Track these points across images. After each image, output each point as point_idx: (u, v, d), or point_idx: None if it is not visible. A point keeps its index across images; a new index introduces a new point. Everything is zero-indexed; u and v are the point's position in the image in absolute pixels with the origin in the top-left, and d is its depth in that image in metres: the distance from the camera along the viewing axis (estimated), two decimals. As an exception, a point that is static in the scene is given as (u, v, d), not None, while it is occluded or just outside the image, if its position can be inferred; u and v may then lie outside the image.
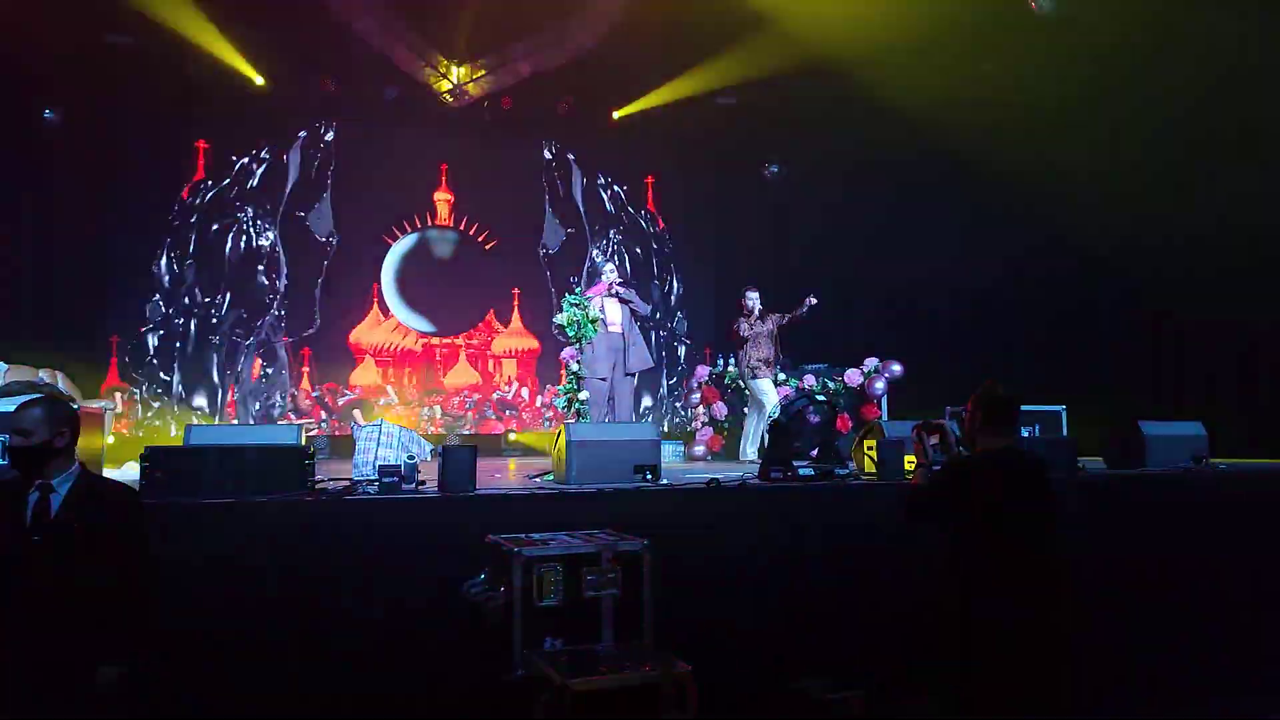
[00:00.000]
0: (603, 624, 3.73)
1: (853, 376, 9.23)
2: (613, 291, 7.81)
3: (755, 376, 8.30)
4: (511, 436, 12.14)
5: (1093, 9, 8.26)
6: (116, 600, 3.09)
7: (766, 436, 7.06)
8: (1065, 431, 7.18)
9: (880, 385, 9.10)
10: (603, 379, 7.66)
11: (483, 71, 11.76)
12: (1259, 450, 6.95)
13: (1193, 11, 7.35)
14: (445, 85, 11.74)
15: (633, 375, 7.96)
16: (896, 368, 9.15)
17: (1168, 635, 5.00)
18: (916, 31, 8.77)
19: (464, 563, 4.07)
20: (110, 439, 8.13)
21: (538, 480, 5.62)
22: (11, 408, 3.43)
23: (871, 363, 9.23)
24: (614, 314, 7.80)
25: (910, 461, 5.54)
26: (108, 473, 5.40)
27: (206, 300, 11.35)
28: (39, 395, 4.15)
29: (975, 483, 3.29)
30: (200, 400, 11.20)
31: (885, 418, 8.85)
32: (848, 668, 4.44)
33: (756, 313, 8.46)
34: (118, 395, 10.64)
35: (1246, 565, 5.24)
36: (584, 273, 12.73)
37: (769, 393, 8.22)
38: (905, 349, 9.26)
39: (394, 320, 12.20)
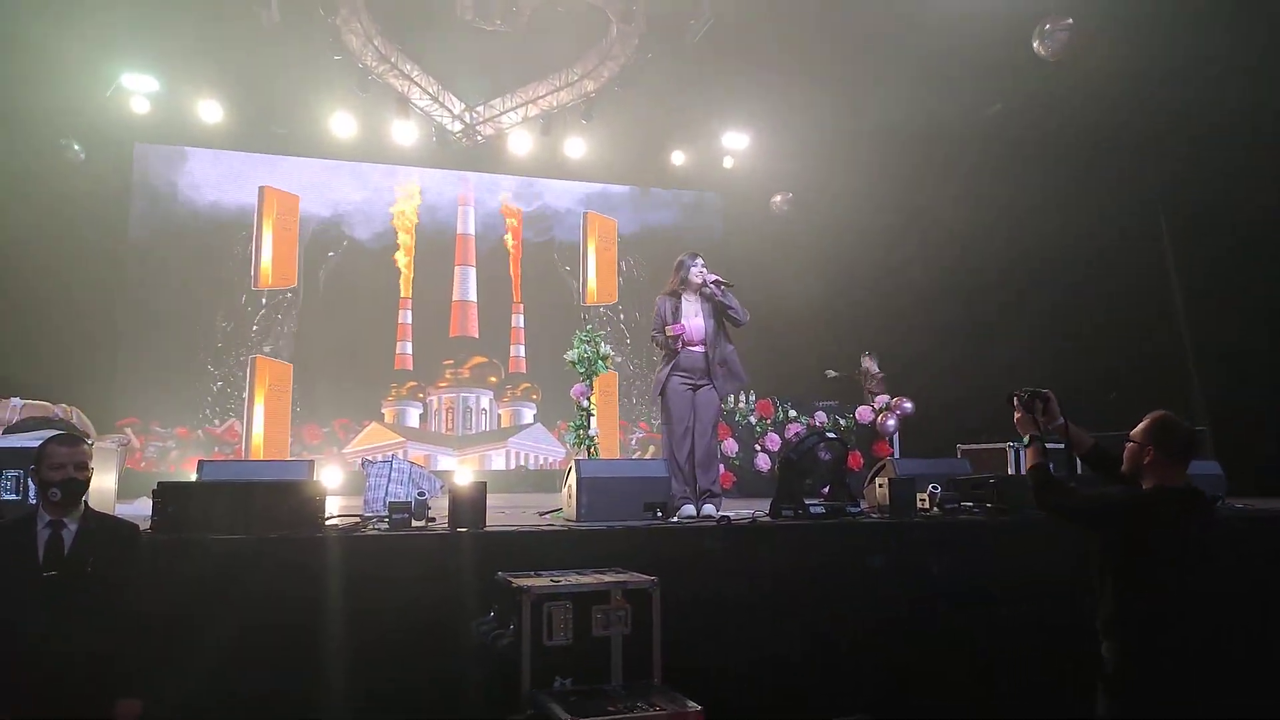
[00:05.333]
0: (612, 663, 3.70)
1: (864, 414, 9.24)
2: (708, 290, 5.79)
3: None
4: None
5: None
6: (130, 633, 3.11)
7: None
8: (1079, 469, 7.11)
9: (892, 422, 9.09)
10: (684, 423, 5.71)
11: (494, 112, 11.95)
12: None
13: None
14: (457, 125, 11.92)
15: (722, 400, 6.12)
16: (908, 405, 9.15)
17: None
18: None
19: (473, 600, 4.05)
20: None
21: (547, 517, 5.61)
22: (32, 443, 3.49)
23: (883, 400, 9.23)
24: (696, 327, 5.79)
25: (922, 499, 5.52)
26: (120, 508, 5.43)
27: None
28: (72, 433, 4.21)
29: (1160, 525, 3.06)
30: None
31: (897, 455, 8.83)
32: (861, 707, 4.38)
33: None
34: (130, 430, 10.69)
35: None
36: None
37: None
38: (916, 386, 9.25)
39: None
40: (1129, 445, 3.23)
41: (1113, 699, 3.09)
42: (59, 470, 3.14)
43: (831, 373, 10.10)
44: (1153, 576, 3.04)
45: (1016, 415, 3.47)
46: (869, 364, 10.07)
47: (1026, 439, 3.43)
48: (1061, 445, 3.52)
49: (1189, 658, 2.98)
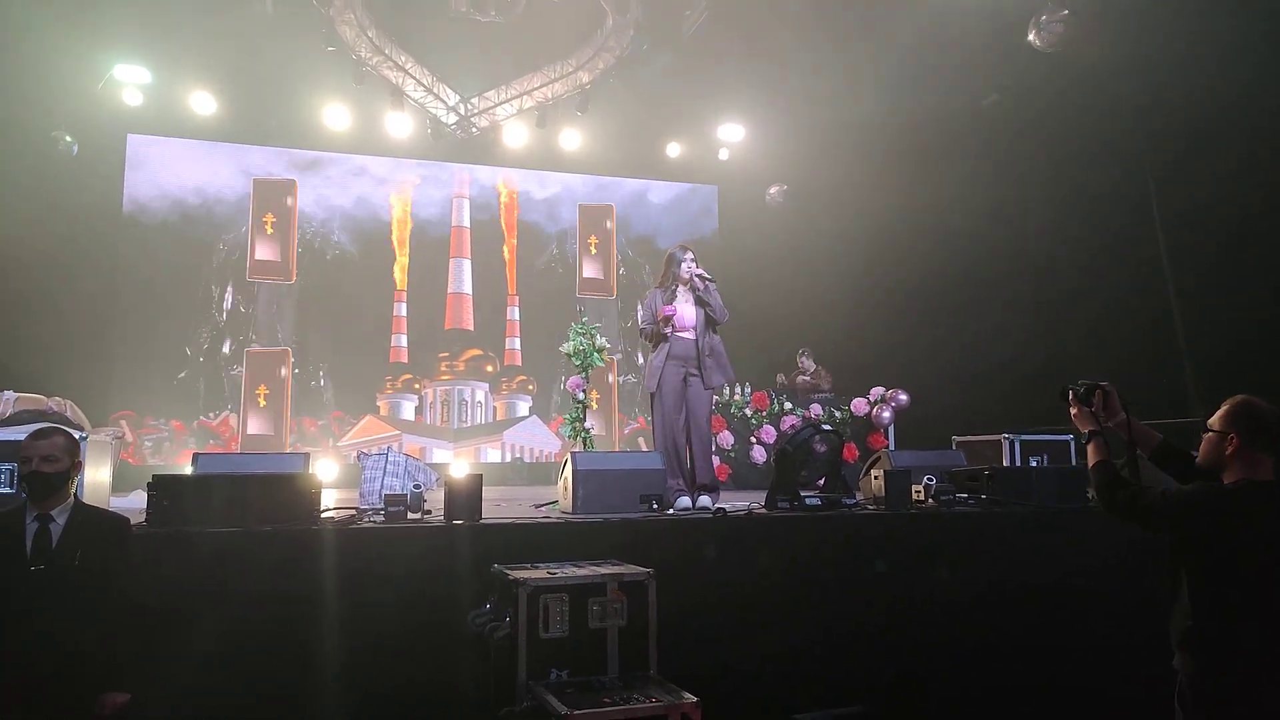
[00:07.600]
0: (608, 655, 3.71)
1: (859, 406, 9.25)
2: (692, 283, 5.86)
3: None
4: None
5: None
6: (120, 626, 3.10)
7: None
8: (1074, 461, 7.14)
9: (887, 414, 9.10)
10: (677, 415, 5.81)
11: (489, 104, 11.91)
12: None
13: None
14: (451, 117, 11.88)
15: (711, 391, 6.04)
16: (903, 397, 9.16)
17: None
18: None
19: (469, 592, 4.06)
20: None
21: (544, 509, 5.61)
22: (20, 436, 3.47)
23: (878, 392, 9.24)
24: (687, 314, 5.88)
25: (917, 491, 5.52)
26: (114, 501, 5.42)
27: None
28: (52, 425, 4.19)
29: (1247, 524, 2.71)
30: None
31: (892, 447, 8.84)
32: (857, 698, 4.40)
33: None
34: (124, 423, 10.67)
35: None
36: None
37: None
38: (911, 378, 9.25)
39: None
40: (1207, 435, 2.88)
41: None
42: (25, 464, 3.14)
43: (780, 378, 10.19)
44: (1238, 584, 2.72)
45: (1072, 410, 3.14)
46: (805, 362, 10.16)
47: (1086, 435, 3.06)
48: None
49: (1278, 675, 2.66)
